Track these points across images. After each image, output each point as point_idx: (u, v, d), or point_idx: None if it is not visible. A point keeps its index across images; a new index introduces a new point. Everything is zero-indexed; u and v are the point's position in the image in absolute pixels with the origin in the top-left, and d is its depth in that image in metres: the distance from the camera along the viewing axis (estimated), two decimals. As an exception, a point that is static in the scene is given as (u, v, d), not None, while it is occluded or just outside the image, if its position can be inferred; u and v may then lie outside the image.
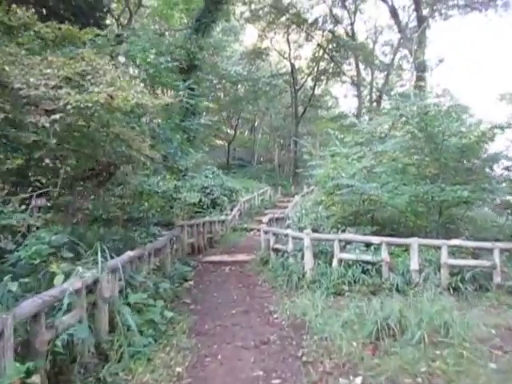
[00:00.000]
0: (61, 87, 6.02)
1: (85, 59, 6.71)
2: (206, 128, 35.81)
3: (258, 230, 18.25)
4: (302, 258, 9.10)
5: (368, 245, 9.00)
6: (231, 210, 18.23)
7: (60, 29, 8.64)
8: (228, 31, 36.88)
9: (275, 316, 7.08)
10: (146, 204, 17.76)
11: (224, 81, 36.20)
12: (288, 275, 8.94)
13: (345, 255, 8.65)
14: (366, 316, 6.27)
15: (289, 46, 35.10)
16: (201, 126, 19.65)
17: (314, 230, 13.28)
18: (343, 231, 10.54)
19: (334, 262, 8.66)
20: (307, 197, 21.63)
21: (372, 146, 13.08)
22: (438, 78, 37.09)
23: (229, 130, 39.99)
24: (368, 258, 8.51)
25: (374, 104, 32.37)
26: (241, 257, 11.89)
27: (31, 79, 5.79)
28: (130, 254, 6.65)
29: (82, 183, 7.80)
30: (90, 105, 5.69)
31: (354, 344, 5.59)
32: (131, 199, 9.96)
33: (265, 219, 12.25)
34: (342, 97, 40.74)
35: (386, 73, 31.60)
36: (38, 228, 6.56)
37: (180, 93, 8.16)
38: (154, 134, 9.90)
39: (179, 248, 11.11)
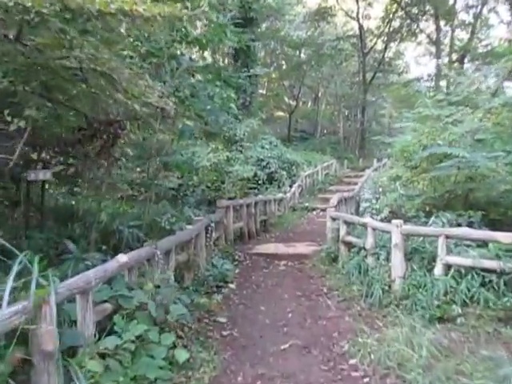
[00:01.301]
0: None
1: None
2: (264, 97, 33.44)
3: (322, 210, 15.42)
4: (388, 259, 6.22)
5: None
6: (290, 186, 15.45)
7: None
8: (290, -8, 33.22)
9: (351, 362, 4.31)
10: (196, 178, 15.58)
11: (285, 47, 33.00)
12: (367, 284, 6.11)
13: (454, 259, 5.64)
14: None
15: (357, 4, 30.98)
16: (254, 85, 16.79)
17: (392, 213, 10.33)
18: (436, 217, 7.64)
19: (438, 269, 5.68)
20: (380, 172, 18.34)
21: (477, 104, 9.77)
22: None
23: (291, 102, 36.75)
24: (492, 264, 5.45)
25: (455, 65, 27.78)
26: (300, 248, 9.15)
27: None
28: (121, 259, 4.11)
29: (71, 149, 5.33)
30: (28, 4, 3.10)
31: None
32: (157, 173, 7.46)
33: (332, 200, 9.34)
34: (413, 63, 35.86)
35: (470, 29, 26.81)
36: None
37: (202, 3, 5.41)
38: (193, 90, 7.31)
39: (221, 236, 8.54)
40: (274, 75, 36.66)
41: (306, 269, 7.84)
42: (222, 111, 7.31)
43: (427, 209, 9.25)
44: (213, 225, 7.59)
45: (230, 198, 14.65)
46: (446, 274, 5.62)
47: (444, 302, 5.34)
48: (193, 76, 7.65)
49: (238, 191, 14.67)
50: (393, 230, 6.03)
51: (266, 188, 14.53)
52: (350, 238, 7.31)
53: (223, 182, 14.78)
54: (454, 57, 28.50)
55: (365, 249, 6.70)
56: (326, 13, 31.73)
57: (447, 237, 5.74)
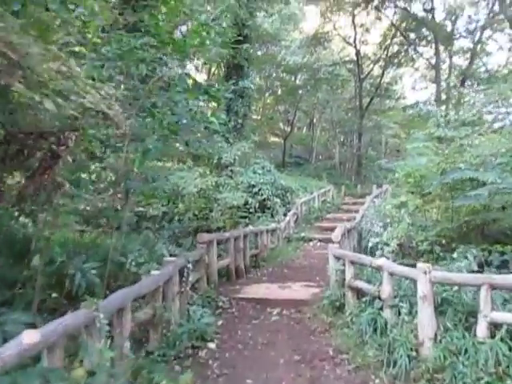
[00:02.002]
0: None
1: None
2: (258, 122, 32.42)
3: (320, 241, 13.98)
4: (412, 313, 4.80)
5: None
6: (285, 214, 14.02)
7: None
8: (287, 20, 32.64)
9: None
10: (181, 206, 14.17)
11: (281, 72, 32.20)
12: (387, 347, 4.64)
13: (504, 316, 4.24)
14: None
15: (354, 30, 30.31)
16: (246, 106, 15.53)
17: (401, 246, 9.01)
18: (459, 253, 6.47)
19: (481, 328, 4.26)
20: (381, 199, 16.99)
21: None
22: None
23: (285, 128, 35.79)
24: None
25: (454, 92, 26.94)
26: (297, 290, 7.66)
27: None
28: (27, 338, 2.65)
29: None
30: None
31: None
32: (122, 201, 6.04)
33: (335, 234, 7.87)
34: (410, 88, 35.01)
35: (470, 53, 26.04)
36: None
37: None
38: (170, 104, 5.99)
39: (202, 277, 7.03)
40: (268, 100, 35.89)
41: (304, 320, 6.33)
42: (201, 125, 5.92)
43: (443, 241, 8.06)
44: (190, 265, 6.12)
45: (218, 228, 13.22)
46: (493, 336, 4.20)
47: (496, 376, 3.93)
48: (169, 86, 6.31)
49: (228, 220, 13.26)
50: (419, 277, 4.61)
51: (258, 217, 13.10)
52: (358, 284, 5.86)
53: (212, 210, 13.40)
54: (452, 82, 27.64)
55: (380, 298, 5.26)
56: (323, 38, 31.07)
57: (492, 287, 4.32)
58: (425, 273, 4.54)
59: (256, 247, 10.37)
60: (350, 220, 16.34)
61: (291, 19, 33.01)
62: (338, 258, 6.64)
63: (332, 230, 15.58)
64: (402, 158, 14.75)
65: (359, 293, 5.92)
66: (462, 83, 25.53)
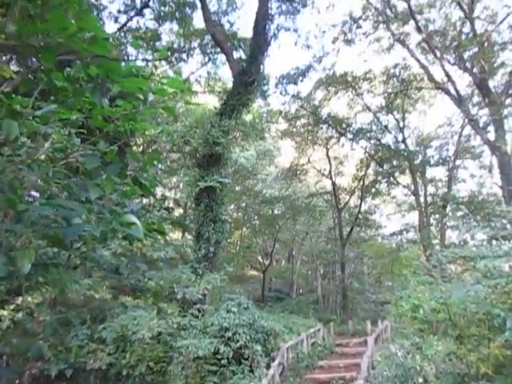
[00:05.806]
0: None
1: None
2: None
3: (314, 402, 10.27)
4: None
5: None
6: (268, 365, 10.41)
7: None
8: (262, 155, 32.42)
9: None
10: (129, 356, 10.73)
11: (258, 203, 30.75)
12: None
13: None
14: None
15: (329, 162, 29.81)
16: (219, 232, 12.87)
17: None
18: None
19: None
20: (382, 338, 13.61)
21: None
22: None
23: (265, 261, 33.13)
24: None
25: (434, 217, 25.49)
26: None
27: None
28: None
29: None
30: None
31: None
32: None
33: None
34: (391, 216, 33.73)
35: (447, 179, 25.20)
36: None
37: None
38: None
39: None
40: (246, 233, 34.00)
41: None
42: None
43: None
44: None
45: (179, 389, 9.58)
46: None
47: None
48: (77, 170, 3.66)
49: (192, 376, 9.69)
50: None
51: (233, 371, 9.53)
52: None
53: (169, 362, 9.87)
54: (431, 209, 26.31)
55: None
56: (299, 171, 30.46)
57: None
58: None
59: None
60: (347, 368, 12.80)
61: (266, 155, 32.86)
62: None
63: (328, 383, 12.08)
64: (402, 287, 12.01)
65: None
66: (444, 208, 24.12)
